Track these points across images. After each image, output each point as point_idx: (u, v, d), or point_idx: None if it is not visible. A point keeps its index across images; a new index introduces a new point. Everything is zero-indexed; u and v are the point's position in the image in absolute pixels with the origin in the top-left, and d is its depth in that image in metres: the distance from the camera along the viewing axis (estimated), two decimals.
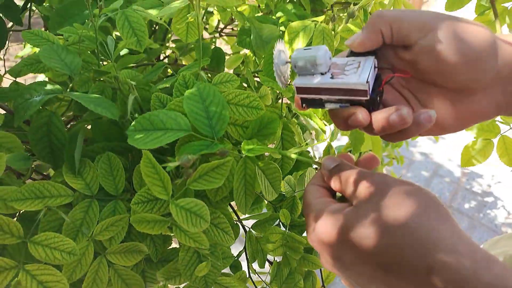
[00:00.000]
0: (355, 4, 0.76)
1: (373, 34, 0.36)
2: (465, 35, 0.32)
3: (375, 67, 0.37)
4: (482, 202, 2.12)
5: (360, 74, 0.35)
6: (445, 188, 2.18)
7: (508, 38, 0.34)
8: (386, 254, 0.29)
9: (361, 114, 0.35)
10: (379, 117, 0.35)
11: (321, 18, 0.54)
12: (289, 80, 0.43)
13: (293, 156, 0.43)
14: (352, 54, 0.38)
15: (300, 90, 0.38)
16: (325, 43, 0.53)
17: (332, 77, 0.36)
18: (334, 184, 0.37)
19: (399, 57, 0.37)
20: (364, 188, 0.33)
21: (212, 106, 0.44)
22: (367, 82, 0.34)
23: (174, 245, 0.54)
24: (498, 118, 0.81)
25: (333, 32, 0.55)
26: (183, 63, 0.87)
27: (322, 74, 0.37)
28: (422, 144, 2.37)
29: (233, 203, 0.56)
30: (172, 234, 0.52)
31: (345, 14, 0.71)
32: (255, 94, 0.45)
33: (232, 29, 0.94)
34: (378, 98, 0.37)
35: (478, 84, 0.34)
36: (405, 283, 0.29)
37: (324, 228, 0.33)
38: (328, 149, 0.77)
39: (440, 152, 2.34)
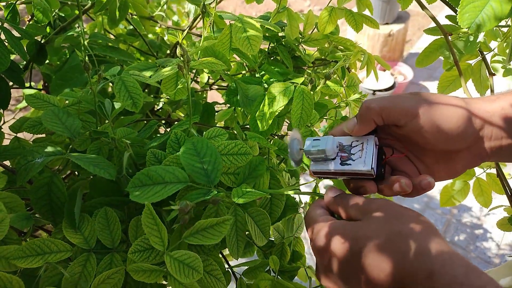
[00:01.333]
0: (333, 62, 0.83)
1: (366, 124, 0.43)
2: (443, 116, 0.39)
3: (376, 145, 0.44)
4: (474, 233, 2.14)
5: (365, 160, 0.42)
6: (437, 220, 2.21)
7: (482, 103, 0.40)
8: (393, 257, 0.34)
9: (369, 188, 0.43)
10: (385, 188, 0.43)
11: (300, 79, 0.60)
12: (302, 161, 0.49)
13: (287, 192, 0.48)
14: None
15: (316, 173, 0.46)
16: (305, 103, 0.58)
17: (341, 163, 0.43)
18: (338, 208, 0.42)
19: (393, 132, 0.44)
20: (372, 206, 0.38)
21: (207, 157, 0.49)
22: (372, 168, 0.41)
23: None
24: None
25: (312, 93, 0.60)
26: (178, 114, 0.91)
27: (332, 159, 0.44)
28: None
29: (223, 251, 0.59)
30: (167, 283, 0.55)
31: (324, 72, 0.77)
32: (242, 142, 0.49)
33: (223, 79, 1.00)
34: (383, 170, 0.44)
35: (461, 148, 0.41)
36: (409, 282, 0.33)
37: (335, 236, 0.38)
38: (315, 189, 0.81)
39: None
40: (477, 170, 0.86)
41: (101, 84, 0.60)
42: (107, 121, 0.62)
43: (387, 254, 0.34)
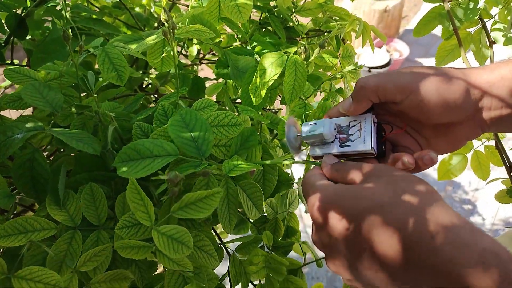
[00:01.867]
0: (328, 32, 0.80)
1: (362, 102, 0.42)
2: (441, 89, 0.38)
3: (374, 123, 0.43)
4: (468, 210, 2.15)
5: (364, 140, 0.41)
6: None
7: (481, 73, 0.39)
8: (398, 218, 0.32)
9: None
10: (389, 164, 0.41)
11: (293, 49, 0.57)
12: (301, 148, 0.48)
13: (282, 162, 0.46)
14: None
15: (316, 157, 0.45)
16: (298, 73, 0.56)
17: (340, 145, 0.43)
18: (337, 174, 0.40)
19: (390, 108, 0.43)
20: (373, 169, 0.37)
21: (196, 129, 0.46)
22: (372, 147, 0.41)
23: (160, 270, 0.55)
24: None
25: (305, 62, 0.57)
26: (167, 89, 0.89)
27: (331, 142, 0.43)
28: None
29: (216, 227, 0.57)
30: (157, 260, 0.53)
31: (318, 42, 0.74)
32: (232, 113, 0.47)
33: (214, 54, 0.97)
34: (383, 147, 0.43)
35: (461, 120, 0.40)
36: (414, 243, 0.30)
37: (338, 196, 0.36)
38: (308, 167, 0.79)
39: None
40: (475, 143, 0.85)
41: (82, 56, 0.57)
42: (88, 99, 0.59)
43: (394, 215, 0.32)
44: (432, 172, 2.33)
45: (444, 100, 0.38)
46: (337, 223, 0.34)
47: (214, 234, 0.57)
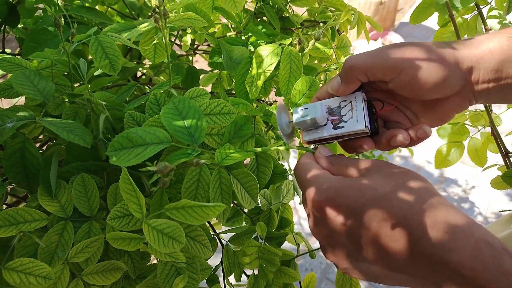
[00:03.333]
0: (323, 23, 0.79)
1: (351, 83, 0.41)
2: (431, 66, 0.38)
3: (365, 101, 0.42)
4: (461, 203, 2.17)
5: (357, 119, 0.41)
6: None
7: (469, 47, 0.39)
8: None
9: (366, 144, 0.43)
10: (383, 141, 0.42)
11: (287, 41, 0.57)
12: (294, 134, 0.47)
13: (274, 148, 0.45)
14: None
15: (310, 142, 0.44)
16: (293, 65, 0.55)
17: (334, 127, 0.42)
18: (334, 168, 0.39)
19: (379, 87, 0.43)
20: (371, 164, 0.37)
21: (189, 117, 0.46)
22: (366, 126, 0.40)
23: (153, 261, 0.54)
24: (468, 121, 0.84)
25: (300, 54, 0.57)
26: (160, 79, 0.88)
27: (324, 125, 0.43)
28: (402, 148, 2.41)
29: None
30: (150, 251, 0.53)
31: (313, 32, 0.74)
32: (224, 101, 0.47)
33: (209, 45, 0.96)
34: (376, 124, 0.42)
35: (450, 94, 0.40)
36: (417, 234, 0.31)
37: (340, 189, 0.35)
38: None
39: (419, 155, 2.39)
40: (472, 130, 0.85)
41: (74, 45, 0.56)
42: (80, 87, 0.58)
43: (397, 207, 0.32)
44: (426, 165, 2.34)
45: (434, 77, 0.38)
46: (339, 215, 0.34)
47: (208, 225, 0.56)
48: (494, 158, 0.82)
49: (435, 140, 0.86)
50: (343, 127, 0.41)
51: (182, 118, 0.45)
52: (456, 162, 0.87)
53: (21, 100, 0.80)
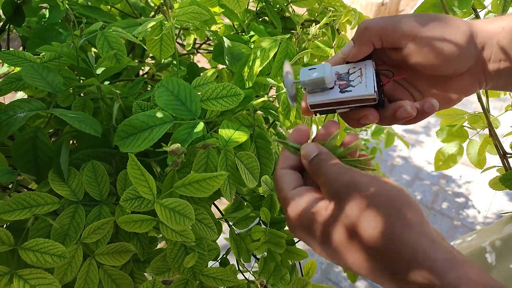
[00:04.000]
0: (325, 24, 0.81)
1: (364, 46, 0.40)
2: (446, 35, 0.37)
3: (374, 69, 0.41)
4: (461, 203, 2.18)
5: (366, 84, 0.39)
6: (426, 190, 2.24)
7: (483, 23, 0.38)
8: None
9: (371, 115, 0.40)
10: (388, 115, 0.40)
11: (286, 36, 0.59)
12: (297, 97, 0.47)
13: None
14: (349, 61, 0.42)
15: (314, 106, 0.42)
16: (289, 52, 0.57)
17: (341, 91, 0.40)
18: (312, 173, 0.37)
19: (390, 56, 0.41)
20: (332, 188, 0.34)
21: (181, 93, 0.49)
22: (375, 92, 0.38)
23: (160, 246, 0.56)
24: (466, 123, 0.86)
25: (297, 49, 0.59)
26: (163, 76, 0.89)
27: (330, 88, 0.41)
28: (403, 149, 2.43)
29: (216, 202, 0.58)
30: (158, 236, 0.54)
31: (311, 28, 0.76)
32: (230, 84, 0.49)
33: (209, 44, 0.98)
34: (382, 96, 0.41)
35: (462, 70, 0.38)
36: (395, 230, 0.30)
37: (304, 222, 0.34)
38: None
39: (420, 155, 2.41)
40: (470, 132, 0.86)
41: (83, 39, 0.58)
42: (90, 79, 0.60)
43: (379, 201, 0.31)
44: (426, 165, 2.35)
45: (450, 47, 0.37)
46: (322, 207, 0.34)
47: (216, 207, 0.58)
48: (493, 159, 0.83)
49: (435, 140, 0.88)
50: (350, 91, 0.39)
51: (176, 96, 0.48)
52: (456, 164, 0.88)
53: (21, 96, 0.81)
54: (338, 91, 0.40)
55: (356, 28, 0.40)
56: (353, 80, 0.40)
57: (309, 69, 0.40)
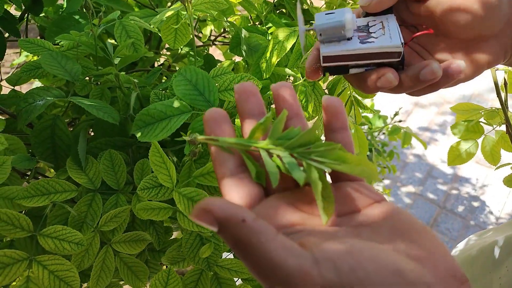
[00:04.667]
0: None
1: None
2: None
3: (397, 23, 0.36)
4: (474, 203, 2.15)
5: (391, 36, 0.34)
6: (438, 190, 2.21)
7: None
8: None
9: (392, 74, 0.34)
10: (410, 76, 0.34)
11: (305, 26, 0.58)
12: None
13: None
14: (368, 14, 0.37)
15: (327, 59, 0.35)
16: (306, 49, 0.56)
17: (361, 42, 0.34)
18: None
19: (412, 11, 0.36)
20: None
21: (199, 83, 0.48)
22: (401, 43, 0.33)
23: (174, 236, 0.56)
24: (482, 119, 0.84)
25: (315, 40, 0.58)
26: (179, 67, 0.89)
27: (348, 39, 0.35)
28: (416, 146, 2.40)
29: None
30: (173, 226, 0.54)
31: None
32: (247, 74, 0.48)
33: (224, 36, 0.97)
34: (403, 56, 0.35)
35: (491, 32, 0.34)
36: None
37: None
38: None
39: (433, 153, 2.38)
40: (486, 128, 0.85)
41: (101, 27, 0.58)
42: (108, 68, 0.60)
43: None
44: (440, 164, 2.33)
45: (481, 1, 0.32)
46: None
47: None
48: (509, 156, 0.81)
49: (450, 138, 0.86)
50: (372, 42, 0.34)
51: (194, 86, 0.47)
52: (470, 159, 0.86)
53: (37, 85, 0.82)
54: (358, 42, 0.34)
55: None
56: (374, 32, 0.35)
57: (326, 14, 0.34)
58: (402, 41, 0.33)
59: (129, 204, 0.48)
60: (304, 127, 0.29)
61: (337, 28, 0.33)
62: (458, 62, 0.33)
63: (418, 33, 0.35)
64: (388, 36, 0.34)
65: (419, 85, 0.34)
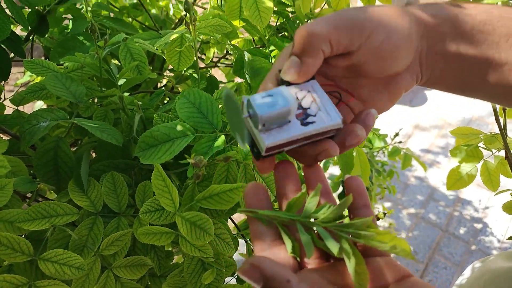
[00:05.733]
0: None
1: (314, 57, 0.31)
2: (399, 25, 0.33)
3: (324, 91, 0.33)
4: (477, 226, 2.12)
5: (328, 112, 0.32)
6: (440, 212, 2.19)
7: (418, 11, 0.35)
8: None
9: (332, 149, 0.32)
10: (337, 142, 0.33)
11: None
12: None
13: None
14: (284, 82, 0.33)
15: (270, 149, 0.31)
16: None
17: (302, 123, 0.31)
18: None
19: (331, 63, 0.34)
20: None
21: (203, 105, 0.48)
22: (340, 119, 0.31)
23: (175, 261, 0.55)
24: (481, 144, 0.84)
25: None
26: (182, 88, 0.90)
27: (288, 122, 0.31)
28: (418, 168, 2.40)
29: (234, 217, 0.57)
30: (174, 250, 0.53)
31: None
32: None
33: (227, 58, 0.98)
34: None
35: (406, 66, 0.35)
36: None
37: None
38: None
39: (435, 176, 2.37)
40: (485, 153, 0.85)
41: (106, 50, 0.58)
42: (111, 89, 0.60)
43: None
44: (441, 186, 2.31)
45: (407, 37, 0.33)
46: None
47: (233, 224, 0.57)
48: (508, 182, 0.80)
49: (451, 160, 0.86)
50: (313, 122, 0.31)
51: (197, 109, 0.47)
52: (469, 184, 0.86)
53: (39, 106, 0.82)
54: (299, 124, 0.31)
55: (297, 36, 0.31)
56: (309, 108, 0.32)
57: (263, 97, 0.29)
58: (341, 116, 0.31)
59: (131, 228, 0.47)
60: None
61: (284, 114, 0.30)
62: (371, 112, 0.33)
63: (343, 102, 0.35)
64: (325, 112, 0.32)
65: (346, 149, 0.33)
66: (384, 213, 0.71)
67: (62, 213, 0.45)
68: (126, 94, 0.71)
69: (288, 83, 0.33)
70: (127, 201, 0.49)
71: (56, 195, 0.51)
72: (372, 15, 0.32)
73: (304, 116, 0.31)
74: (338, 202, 0.28)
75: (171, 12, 0.92)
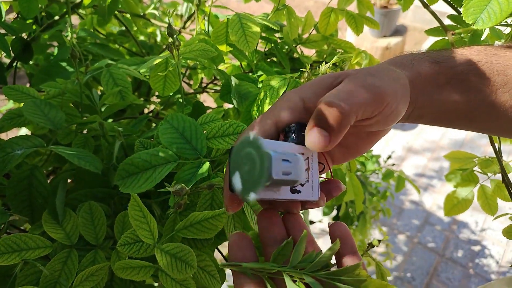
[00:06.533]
0: (334, 65, 0.81)
1: (343, 132, 0.32)
2: (404, 92, 0.35)
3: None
4: (474, 250, 2.09)
5: (313, 188, 0.33)
6: (437, 236, 2.16)
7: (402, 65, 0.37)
8: None
9: (310, 207, 0.35)
10: (323, 192, 0.36)
11: (296, 74, 0.58)
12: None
13: None
14: (289, 136, 0.34)
15: (260, 201, 0.35)
16: None
17: (291, 190, 0.32)
18: None
19: None
20: None
21: (186, 131, 0.46)
22: (318, 197, 0.34)
23: None
24: (477, 168, 0.83)
25: None
26: (168, 112, 0.88)
27: None
28: (413, 193, 2.37)
29: (220, 247, 0.55)
30: (156, 284, 0.50)
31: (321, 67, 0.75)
32: (237, 121, 0.47)
33: (216, 83, 0.97)
34: None
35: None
36: None
37: None
38: None
39: (431, 200, 2.35)
40: (481, 177, 0.83)
41: (88, 75, 0.57)
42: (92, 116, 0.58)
43: None
44: (437, 210, 2.29)
45: (405, 103, 0.35)
46: None
47: (219, 252, 0.54)
48: (505, 205, 0.78)
49: (446, 184, 0.84)
50: (299, 192, 0.33)
51: (180, 134, 0.45)
52: (466, 209, 0.85)
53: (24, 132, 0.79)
54: (288, 189, 0.32)
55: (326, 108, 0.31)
56: None
57: (282, 160, 0.29)
58: (319, 195, 0.34)
59: (108, 261, 0.45)
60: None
61: (289, 184, 0.30)
62: (341, 187, 0.36)
63: (325, 171, 0.37)
64: (310, 187, 0.33)
65: (329, 198, 0.35)
66: (379, 240, 0.68)
67: (34, 246, 0.42)
68: (109, 120, 0.70)
69: (293, 139, 0.33)
70: (105, 233, 0.46)
71: (30, 227, 0.49)
72: (388, 84, 0.33)
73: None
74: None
75: (158, 39, 0.91)
